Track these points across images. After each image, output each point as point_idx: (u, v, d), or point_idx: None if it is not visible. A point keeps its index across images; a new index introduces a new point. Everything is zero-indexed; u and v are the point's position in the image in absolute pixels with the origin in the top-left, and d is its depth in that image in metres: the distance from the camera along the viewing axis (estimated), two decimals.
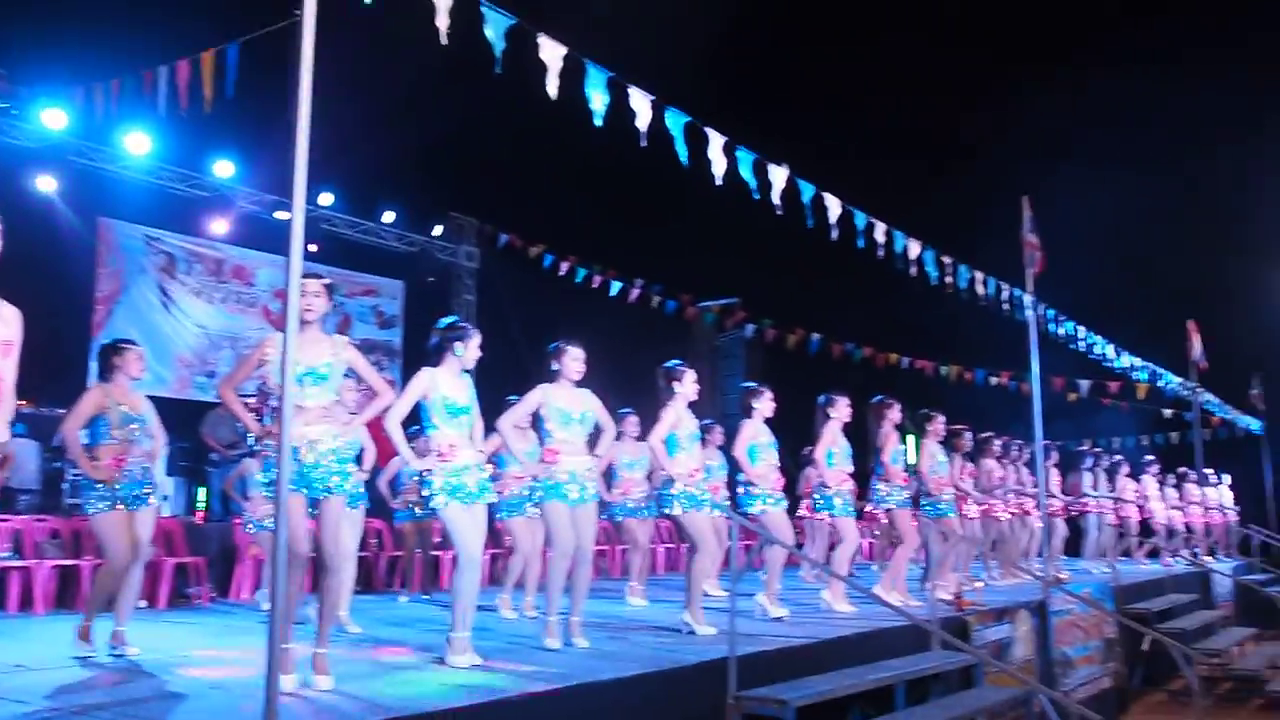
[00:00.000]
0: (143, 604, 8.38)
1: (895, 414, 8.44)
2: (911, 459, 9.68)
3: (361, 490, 6.96)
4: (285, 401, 3.65)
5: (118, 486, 5.65)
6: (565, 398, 6.00)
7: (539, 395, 6.00)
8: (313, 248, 15.04)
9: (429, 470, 5.28)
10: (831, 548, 9.27)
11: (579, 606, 6.03)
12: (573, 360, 6.02)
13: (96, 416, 5.72)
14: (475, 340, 5.52)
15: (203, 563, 9.02)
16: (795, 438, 9.59)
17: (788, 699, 4.96)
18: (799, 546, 11.66)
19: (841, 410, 8.06)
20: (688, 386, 6.78)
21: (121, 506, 5.66)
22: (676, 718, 4.93)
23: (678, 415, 6.71)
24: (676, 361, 6.89)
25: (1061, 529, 12.68)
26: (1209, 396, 17.17)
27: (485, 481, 5.41)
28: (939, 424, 9.14)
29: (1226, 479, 17.25)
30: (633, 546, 9.08)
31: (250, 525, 8.19)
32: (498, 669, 5.01)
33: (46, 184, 12.84)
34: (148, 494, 5.89)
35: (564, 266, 15.69)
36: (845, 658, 6.09)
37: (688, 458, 6.72)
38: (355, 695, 4.32)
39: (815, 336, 16.39)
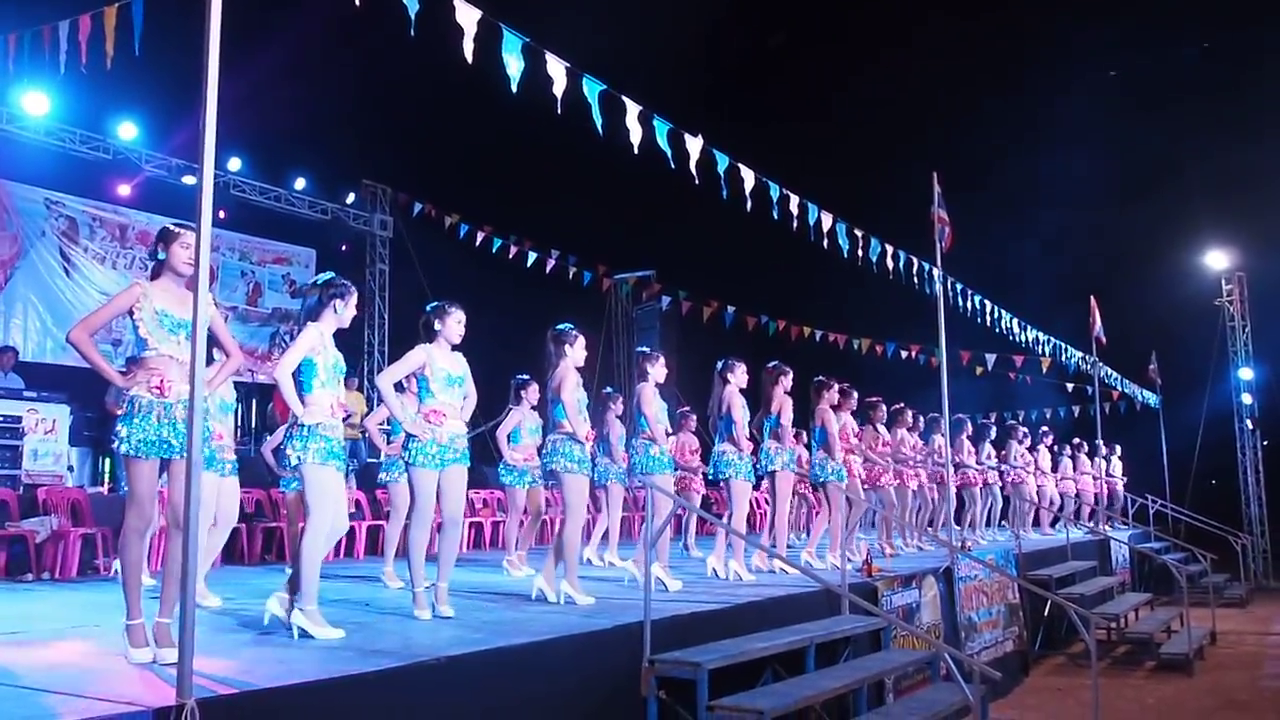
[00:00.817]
0: (46, 575, 8.24)
1: (789, 380, 8.55)
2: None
3: (231, 458, 6.74)
4: (195, 361, 3.58)
5: None
6: (447, 360, 5.83)
7: (422, 355, 5.75)
8: (221, 214, 14.72)
9: (318, 424, 5.03)
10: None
11: (445, 573, 5.80)
12: (456, 322, 5.83)
13: None
14: (354, 298, 5.39)
15: (110, 533, 8.81)
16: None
17: (701, 661, 5.04)
18: (718, 515, 11.78)
19: (739, 376, 8.12)
20: (579, 351, 6.64)
21: None
22: (592, 682, 4.95)
23: (578, 377, 6.63)
24: (567, 325, 6.69)
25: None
26: (1109, 371, 17.71)
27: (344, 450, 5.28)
28: (834, 391, 9.33)
29: (1117, 450, 17.83)
30: (512, 514, 8.80)
31: None
32: (411, 636, 5.00)
33: None
34: None
35: (480, 236, 15.56)
36: (758, 622, 6.18)
37: (583, 422, 6.66)
38: (268, 660, 4.27)
39: (730, 308, 16.51)
